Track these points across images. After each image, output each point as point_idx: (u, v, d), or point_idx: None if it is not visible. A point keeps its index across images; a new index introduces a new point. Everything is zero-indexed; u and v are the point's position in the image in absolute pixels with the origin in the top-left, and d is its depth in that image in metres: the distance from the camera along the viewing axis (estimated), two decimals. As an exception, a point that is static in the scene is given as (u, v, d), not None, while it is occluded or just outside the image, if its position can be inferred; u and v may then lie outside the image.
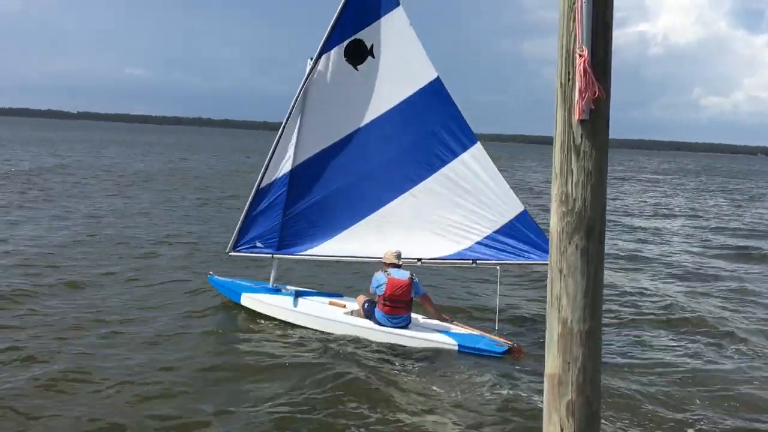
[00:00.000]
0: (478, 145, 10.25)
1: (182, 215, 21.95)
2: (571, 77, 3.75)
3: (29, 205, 21.83)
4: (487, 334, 9.44)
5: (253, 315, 10.50)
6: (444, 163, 10.35)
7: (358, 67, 10.53)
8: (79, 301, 11.00)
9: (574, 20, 3.71)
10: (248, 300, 10.62)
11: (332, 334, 9.68)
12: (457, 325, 9.76)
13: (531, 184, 44.27)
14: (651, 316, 11.62)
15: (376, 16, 10.44)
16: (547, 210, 5.73)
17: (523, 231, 9.94)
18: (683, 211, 31.37)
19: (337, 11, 10.37)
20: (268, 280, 10.93)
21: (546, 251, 9.69)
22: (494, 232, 10.05)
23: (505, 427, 7.02)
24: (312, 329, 9.87)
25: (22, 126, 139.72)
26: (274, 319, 10.27)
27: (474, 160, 10.24)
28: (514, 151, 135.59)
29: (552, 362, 3.92)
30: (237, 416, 6.98)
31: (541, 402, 5.61)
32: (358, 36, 10.46)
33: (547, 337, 3.95)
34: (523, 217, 10.00)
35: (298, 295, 10.55)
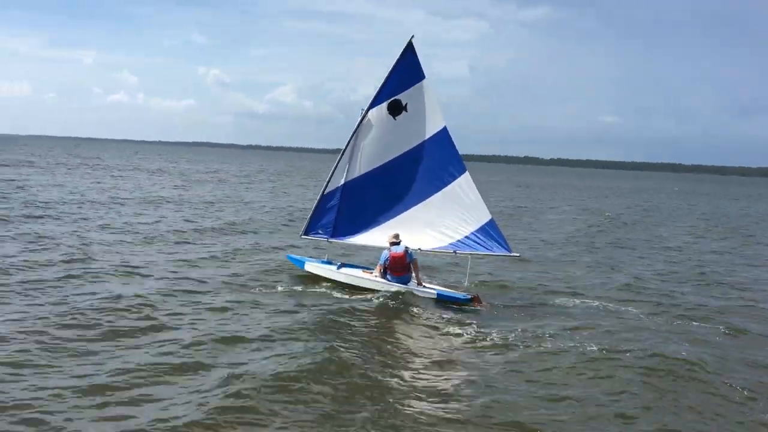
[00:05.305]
0: (467, 173, 15.23)
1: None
2: None
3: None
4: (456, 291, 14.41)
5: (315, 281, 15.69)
6: (445, 184, 15.42)
7: (396, 117, 15.75)
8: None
9: None
10: (310, 266, 15.98)
11: (362, 288, 14.81)
12: (436, 286, 14.75)
13: None
14: None
15: (410, 84, 15.66)
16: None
17: (489, 232, 14.80)
18: None
19: (384, 80, 15.65)
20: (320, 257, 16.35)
21: (503, 247, 14.49)
22: (471, 232, 14.94)
23: (470, 348, 11.69)
24: (349, 285, 15.01)
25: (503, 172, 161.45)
26: (327, 280, 15.44)
27: (464, 182, 15.23)
28: None
29: None
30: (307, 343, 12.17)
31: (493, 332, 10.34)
32: (397, 97, 15.69)
33: None
34: (490, 223, 14.86)
35: (342, 265, 15.80)
